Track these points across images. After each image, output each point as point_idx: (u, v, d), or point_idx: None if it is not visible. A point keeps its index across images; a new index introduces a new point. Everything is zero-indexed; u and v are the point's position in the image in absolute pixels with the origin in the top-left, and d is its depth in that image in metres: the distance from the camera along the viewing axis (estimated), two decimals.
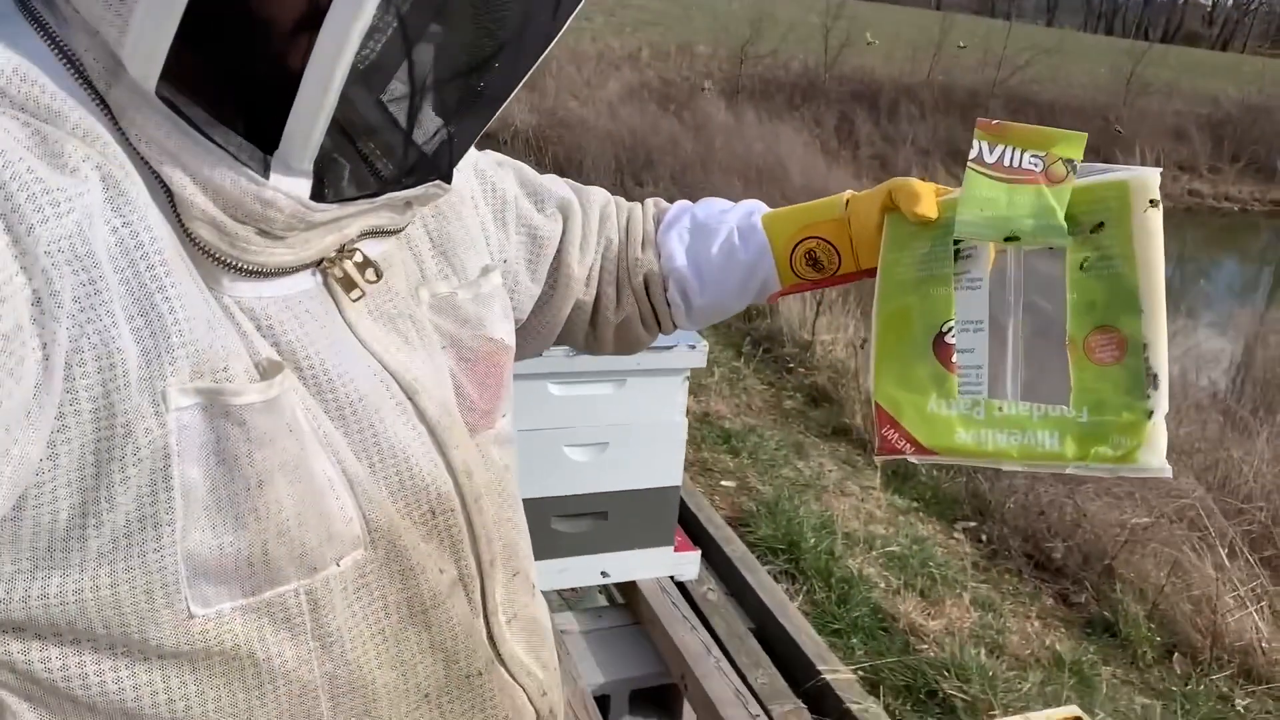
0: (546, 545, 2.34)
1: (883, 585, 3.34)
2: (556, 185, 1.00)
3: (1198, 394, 4.93)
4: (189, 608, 0.63)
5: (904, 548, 3.56)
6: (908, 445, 0.81)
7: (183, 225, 0.62)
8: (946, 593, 3.32)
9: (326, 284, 0.71)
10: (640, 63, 15.36)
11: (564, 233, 0.98)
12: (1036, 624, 3.26)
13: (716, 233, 0.98)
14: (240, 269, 0.64)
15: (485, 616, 0.82)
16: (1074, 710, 1.30)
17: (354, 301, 0.72)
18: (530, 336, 1.01)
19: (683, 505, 3.07)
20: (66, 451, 0.57)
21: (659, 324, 1.04)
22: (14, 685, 0.64)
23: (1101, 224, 0.77)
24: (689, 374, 2.34)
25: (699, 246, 0.99)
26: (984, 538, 3.78)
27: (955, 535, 3.81)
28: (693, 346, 2.28)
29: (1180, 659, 3.14)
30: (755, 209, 0.99)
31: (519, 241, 0.95)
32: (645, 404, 2.31)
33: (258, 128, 0.61)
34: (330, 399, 0.69)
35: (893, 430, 0.81)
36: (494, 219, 0.93)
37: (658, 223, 1.03)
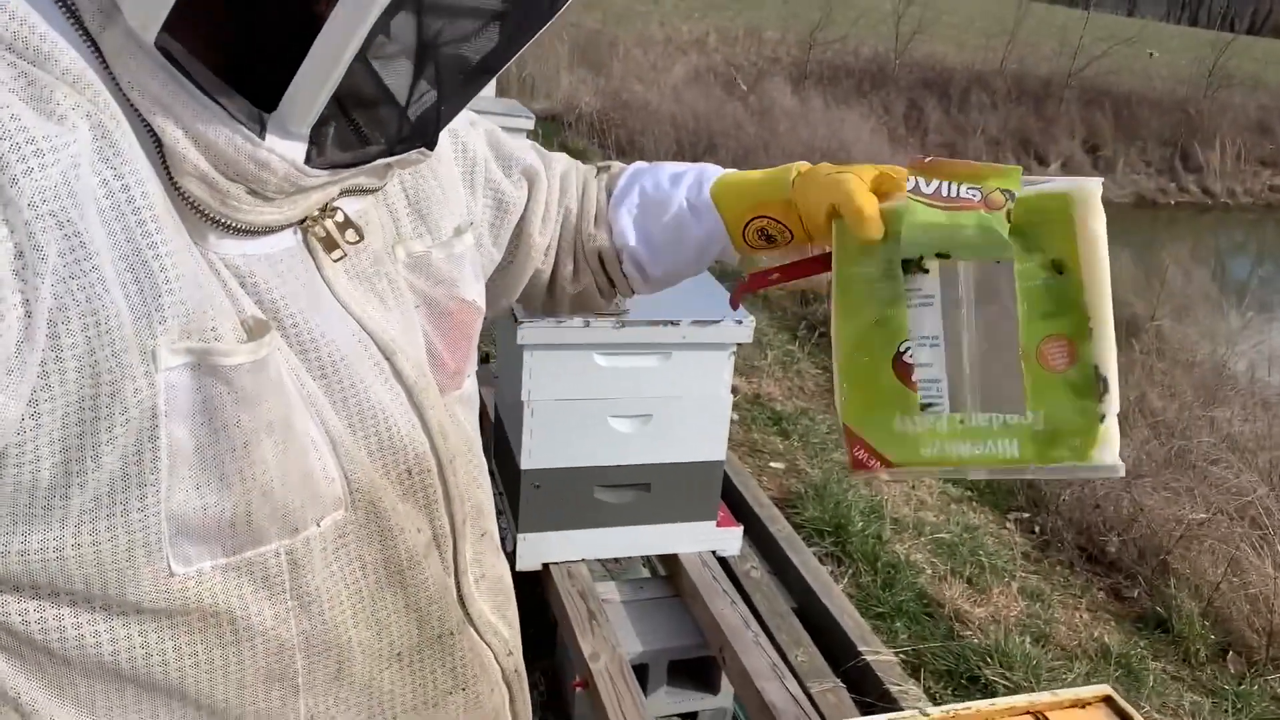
0: (589, 515, 2.37)
1: (929, 571, 3.31)
2: (524, 152, 0.99)
3: (1265, 391, 4.80)
4: (170, 566, 0.63)
5: (954, 535, 3.52)
6: (877, 463, 0.84)
7: (171, 179, 0.60)
8: (994, 581, 3.28)
9: (306, 242, 0.71)
10: (707, 47, 15.26)
11: (528, 201, 0.98)
12: (1085, 616, 3.21)
13: (666, 207, 0.98)
14: (227, 226, 0.63)
15: (456, 576, 0.83)
16: (1105, 689, 1.27)
17: (334, 261, 0.72)
18: (487, 301, 1.01)
19: (728, 483, 3.06)
20: (49, 410, 0.56)
21: (616, 292, 1.05)
22: None
23: (1058, 264, 0.79)
24: (735, 349, 2.33)
25: (648, 222, 0.99)
26: (1037, 529, 3.73)
27: (1007, 525, 3.76)
28: (739, 321, 2.27)
29: (1234, 658, 3.07)
30: (705, 176, 0.98)
31: (485, 204, 0.95)
32: (690, 377, 2.31)
33: (256, 87, 0.59)
34: (313, 358, 0.69)
35: (862, 450, 0.85)
36: (463, 179, 0.92)
37: (610, 193, 1.02)
